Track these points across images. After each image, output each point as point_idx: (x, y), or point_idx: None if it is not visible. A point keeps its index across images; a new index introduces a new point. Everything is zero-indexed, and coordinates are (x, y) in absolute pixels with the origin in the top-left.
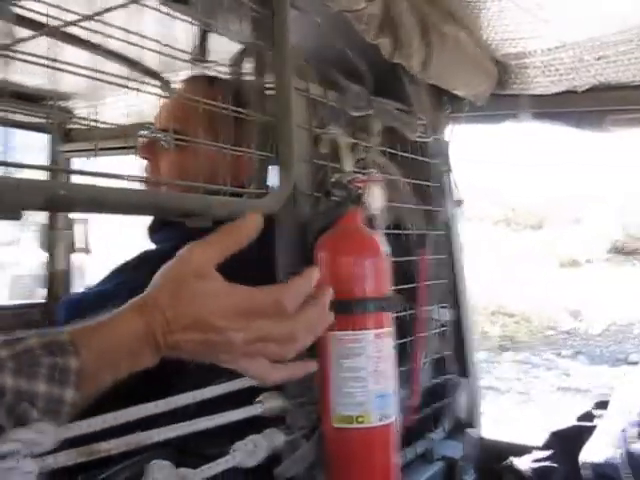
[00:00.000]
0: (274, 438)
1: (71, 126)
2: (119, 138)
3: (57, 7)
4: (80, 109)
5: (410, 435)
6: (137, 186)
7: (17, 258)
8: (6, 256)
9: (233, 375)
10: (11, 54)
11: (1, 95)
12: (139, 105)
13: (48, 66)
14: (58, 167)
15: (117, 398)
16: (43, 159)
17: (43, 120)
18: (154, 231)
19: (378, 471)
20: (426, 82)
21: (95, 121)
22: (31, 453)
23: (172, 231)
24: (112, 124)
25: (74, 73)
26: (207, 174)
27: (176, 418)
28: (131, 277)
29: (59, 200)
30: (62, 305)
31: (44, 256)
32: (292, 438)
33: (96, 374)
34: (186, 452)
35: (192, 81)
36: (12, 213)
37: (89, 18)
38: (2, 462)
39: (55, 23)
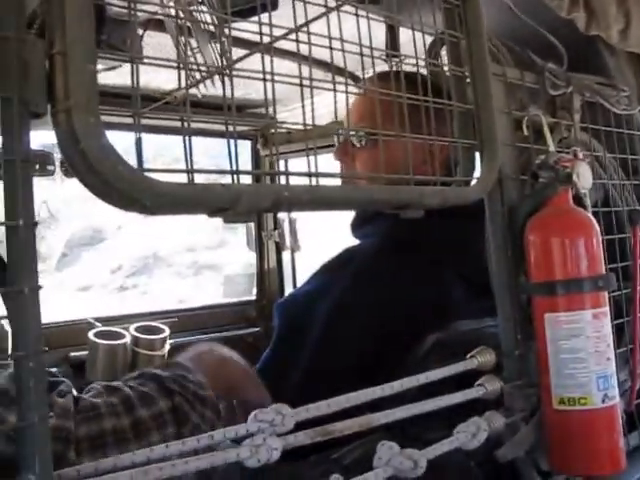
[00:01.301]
0: (494, 420)
1: (276, 131)
2: (318, 139)
3: (267, 24)
4: (279, 114)
5: (632, 420)
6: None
7: (228, 259)
8: (217, 258)
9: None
10: (232, 73)
11: (228, 109)
12: (335, 105)
13: (264, 79)
14: (281, 171)
15: (344, 382)
16: (246, 164)
17: (248, 128)
18: (356, 227)
19: (603, 455)
20: (626, 51)
21: (304, 124)
22: (274, 432)
23: (374, 227)
24: (311, 125)
25: (285, 82)
26: (412, 166)
27: (395, 403)
28: (335, 276)
29: (284, 201)
30: (276, 308)
31: (253, 256)
32: (511, 421)
33: None
34: (405, 436)
35: (383, 77)
36: (247, 216)
37: (295, 31)
38: (252, 439)
39: (265, 39)
